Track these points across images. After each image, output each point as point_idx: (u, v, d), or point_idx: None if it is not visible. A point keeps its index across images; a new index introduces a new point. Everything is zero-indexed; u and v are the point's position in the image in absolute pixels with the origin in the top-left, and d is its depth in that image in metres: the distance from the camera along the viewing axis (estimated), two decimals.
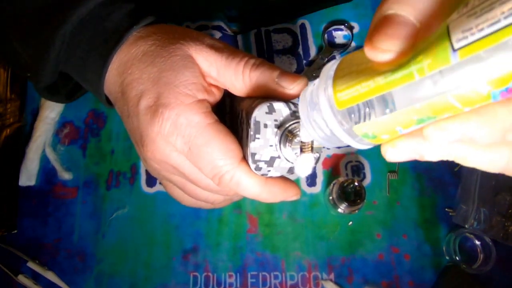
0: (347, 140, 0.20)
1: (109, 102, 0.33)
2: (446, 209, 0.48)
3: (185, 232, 0.47)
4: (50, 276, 0.44)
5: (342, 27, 0.55)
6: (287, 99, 0.27)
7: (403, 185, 0.49)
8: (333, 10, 0.56)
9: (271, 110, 0.25)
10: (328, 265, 0.46)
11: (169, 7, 0.56)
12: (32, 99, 0.52)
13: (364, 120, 0.18)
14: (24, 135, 0.50)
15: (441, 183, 0.49)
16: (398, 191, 0.49)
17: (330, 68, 0.20)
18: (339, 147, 0.50)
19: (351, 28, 0.55)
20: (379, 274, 0.46)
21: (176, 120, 0.26)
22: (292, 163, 0.27)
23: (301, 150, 0.24)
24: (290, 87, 0.27)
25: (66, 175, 0.48)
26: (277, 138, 0.26)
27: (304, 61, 0.54)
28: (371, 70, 0.17)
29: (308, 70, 0.53)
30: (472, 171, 0.49)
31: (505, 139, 0.15)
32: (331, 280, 0.45)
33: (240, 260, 0.46)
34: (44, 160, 0.49)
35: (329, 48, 0.53)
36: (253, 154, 0.26)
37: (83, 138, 0.50)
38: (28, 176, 0.48)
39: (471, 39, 0.13)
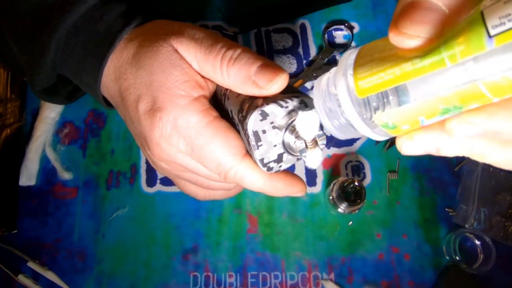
0: (364, 130, 0.19)
1: (107, 103, 0.34)
2: (446, 209, 0.48)
3: (185, 232, 0.47)
4: (50, 276, 0.44)
5: (342, 27, 0.55)
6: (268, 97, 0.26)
7: (403, 185, 0.49)
8: (333, 10, 0.56)
9: (264, 116, 0.24)
10: (328, 265, 0.46)
11: (169, 7, 0.56)
12: (32, 99, 0.52)
13: (386, 109, 0.18)
14: (24, 135, 0.50)
15: (441, 183, 0.49)
16: (398, 191, 0.49)
17: (349, 56, 0.19)
18: (339, 147, 0.50)
19: (351, 28, 0.55)
20: (379, 274, 0.46)
21: (175, 123, 0.26)
22: (300, 154, 0.26)
23: (306, 147, 0.23)
24: (267, 87, 0.25)
25: (66, 175, 0.48)
26: (280, 139, 0.25)
27: (304, 61, 0.54)
28: (396, 57, 0.17)
29: (308, 70, 0.53)
30: (472, 171, 0.49)
31: None
32: (331, 280, 0.45)
33: (240, 260, 0.46)
34: (44, 160, 0.49)
35: (329, 48, 0.53)
36: (261, 160, 0.26)
37: (83, 138, 0.50)
38: (28, 176, 0.48)
39: (508, 25, 0.13)
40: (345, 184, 0.44)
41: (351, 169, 0.50)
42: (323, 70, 0.52)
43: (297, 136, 0.24)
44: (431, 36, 0.16)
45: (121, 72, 0.29)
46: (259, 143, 0.25)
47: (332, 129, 0.21)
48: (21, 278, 0.44)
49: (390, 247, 0.47)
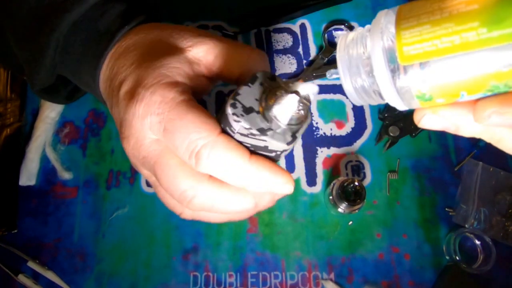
0: (391, 99, 0.18)
1: None
2: (446, 209, 0.48)
3: (185, 231, 0.47)
4: (50, 275, 0.44)
5: (342, 27, 0.55)
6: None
7: (403, 185, 0.49)
8: (333, 10, 0.56)
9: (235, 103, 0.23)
10: (328, 265, 0.46)
11: (169, 7, 0.56)
12: (32, 99, 0.52)
13: (428, 79, 0.16)
14: (24, 135, 0.50)
15: (441, 183, 0.49)
16: (398, 191, 0.49)
17: (386, 14, 0.18)
18: (339, 147, 0.50)
19: (351, 28, 0.55)
20: (379, 274, 0.46)
21: (151, 99, 0.25)
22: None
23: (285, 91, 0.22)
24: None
25: (66, 175, 0.48)
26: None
27: (304, 61, 0.54)
28: (454, 19, 0.15)
29: (308, 70, 0.53)
30: (472, 171, 0.49)
31: None
32: (331, 279, 0.45)
33: (240, 259, 0.46)
34: (44, 160, 0.49)
35: (329, 48, 0.53)
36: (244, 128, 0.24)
37: (83, 138, 0.50)
38: (28, 176, 0.48)
39: None
40: (345, 184, 0.44)
41: (351, 169, 0.50)
42: (323, 70, 0.52)
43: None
44: None
45: (115, 62, 0.29)
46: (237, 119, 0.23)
47: (351, 91, 0.20)
48: (21, 278, 0.44)
49: (390, 247, 0.47)
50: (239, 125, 0.23)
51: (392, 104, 0.18)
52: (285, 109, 0.22)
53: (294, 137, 0.24)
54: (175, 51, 0.28)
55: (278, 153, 0.25)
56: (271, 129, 0.23)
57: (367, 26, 0.19)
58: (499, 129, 0.16)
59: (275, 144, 0.24)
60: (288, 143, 0.24)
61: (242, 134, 0.24)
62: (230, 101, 0.23)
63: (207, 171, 0.24)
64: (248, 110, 0.23)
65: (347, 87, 0.20)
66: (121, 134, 0.27)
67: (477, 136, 0.17)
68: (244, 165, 0.24)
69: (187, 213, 0.29)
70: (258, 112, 0.24)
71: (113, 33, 0.30)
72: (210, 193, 0.25)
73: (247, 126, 0.23)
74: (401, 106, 0.19)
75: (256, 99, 0.24)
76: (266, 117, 0.23)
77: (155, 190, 0.30)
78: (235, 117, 0.23)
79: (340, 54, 0.20)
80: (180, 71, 0.27)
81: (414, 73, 0.16)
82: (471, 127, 0.17)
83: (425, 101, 0.17)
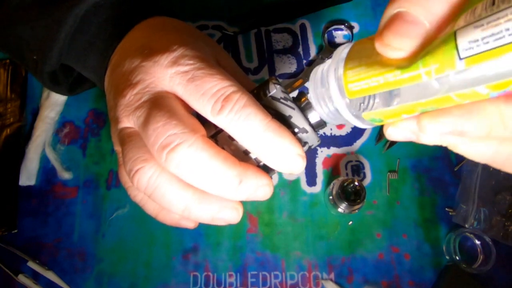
0: (353, 121, 0.22)
1: None
2: (446, 209, 0.48)
3: (185, 231, 0.47)
4: (50, 275, 0.44)
5: (342, 27, 0.55)
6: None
7: (403, 185, 0.49)
8: (333, 10, 0.56)
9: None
10: (328, 265, 0.46)
11: (169, 6, 0.56)
12: (32, 99, 0.52)
13: (372, 109, 0.20)
14: (24, 135, 0.50)
15: (441, 183, 0.49)
16: (398, 191, 0.49)
17: (341, 52, 0.21)
18: (339, 147, 0.50)
19: (351, 28, 0.55)
20: (379, 274, 0.46)
21: (182, 53, 0.25)
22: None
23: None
24: None
25: (66, 175, 0.48)
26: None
27: (304, 61, 0.54)
28: (381, 64, 0.18)
29: (308, 70, 0.53)
30: (472, 171, 0.49)
31: (491, 134, 0.16)
32: (331, 279, 0.45)
33: (240, 259, 0.46)
34: (44, 159, 0.49)
35: (329, 48, 0.53)
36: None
37: (83, 138, 0.50)
38: (28, 176, 0.48)
39: (476, 50, 0.14)
40: (345, 184, 0.44)
41: (351, 169, 0.50)
42: None
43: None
44: (413, 49, 0.17)
45: (123, 48, 0.30)
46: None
47: (324, 115, 0.24)
48: (21, 278, 0.44)
49: (390, 247, 0.47)
50: (277, 86, 0.25)
51: (355, 125, 0.22)
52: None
53: (312, 127, 0.25)
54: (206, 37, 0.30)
55: (296, 130, 0.25)
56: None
57: (330, 60, 0.23)
58: (450, 136, 0.18)
59: (299, 119, 0.25)
60: (309, 124, 0.25)
61: (273, 98, 0.25)
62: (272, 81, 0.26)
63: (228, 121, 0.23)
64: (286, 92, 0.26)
65: (320, 113, 0.24)
66: (126, 82, 0.26)
67: (436, 143, 0.19)
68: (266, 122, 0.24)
69: (137, 196, 0.28)
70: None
71: (132, 18, 0.31)
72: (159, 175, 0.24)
73: (284, 90, 0.25)
74: (362, 126, 0.22)
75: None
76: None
77: (120, 161, 0.29)
78: (275, 80, 0.25)
79: (311, 87, 0.24)
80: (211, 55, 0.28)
81: (362, 103, 0.21)
82: (427, 136, 0.19)
83: (378, 122, 0.21)
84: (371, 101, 0.20)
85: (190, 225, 0.27)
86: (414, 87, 0.17)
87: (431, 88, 0.16)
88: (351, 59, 0.20)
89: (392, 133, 0.20)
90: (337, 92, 0.21)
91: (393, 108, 0.19)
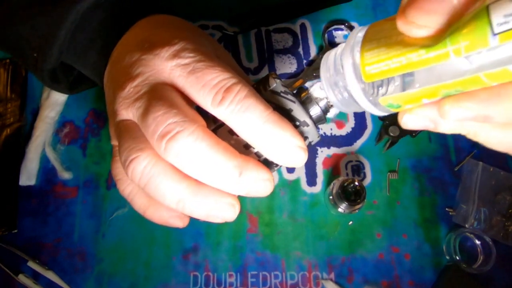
0: (368, 108, 0.21)
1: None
2: (446, 209, 0.48)
3: (185, 231, 0.47)
4: (50, 275, 0.44)
5: (342, 26, 0.55)
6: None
7: (403, 185, 0.49)
8: (333, 10, 0.56)
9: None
10: (328, 265, 0.46)
11: (169, 6, 0.56)
12: (32, 98, 0.52)
13: (391, 93, 0.18)
14: (24, 135, 0.50)
15: (441, 183, 0.49)
16: (398, 191, 0.49)
17: (356, 34, 0.20)
18: (339, 147, 0.50)
19: (351, 28, 0.55)
20: (379, 274, 0.46)
21: (183, 46, 0.25)
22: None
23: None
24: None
25: (66, 175, 0.48)
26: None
27: (305, 61, 0.54)
28: (403, 43, 0.17)
29: (308, 70, 0.53)
30: (472, 171, 0.49)
31: None
32: (331, 279, 0.45)
33: (240, 259, 0.46)
34: (44, 159, 0.49)
35: (330, 48, 0.53)
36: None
37: (83, 138, 0.50)
38: (28, 175, 0.48)
39: None
40: (345, 184, 0.44)
41: (351, 169, 0.50)
42: None
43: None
44: (439, 27, 0.15)
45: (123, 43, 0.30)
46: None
47: (336, 102, 0.23)
48: (21, 278, 0.44)
49: (390, 247, 0.47)
50: (277, 81, 0.25)
51: (370, 112, 0.21)
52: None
53: (313, 120, 0.25)
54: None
55: (297, 123, 0.25)
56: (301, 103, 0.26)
57: (343, 45, 0.21)
58: (472, 123, 0.17)
59: (300, 112, 0.25)
60: (310, 118, 0.25)
61: (274, 92, 0.25)
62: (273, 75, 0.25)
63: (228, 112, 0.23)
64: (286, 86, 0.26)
65: (333, 100, 0.23)
66: (126, 75, 0.26)
67: (455, 131, 0.18)
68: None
69: (126, 189, 0.27)
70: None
71: (133, 16, 0.31)
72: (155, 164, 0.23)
73: (284, 84, 0.25)
74: (378, 113, 0.21)
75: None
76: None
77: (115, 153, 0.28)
78: (274, 75, 0.25)
79: (322, 73, 0.23)
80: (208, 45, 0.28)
81: (380, 87, 0.19)
82: (446, 124, 0.18)
83: (395, 109, 0.19)
84: (390, 85, 0.18)
85: (179, 223, 0.26)
86: (438, 68, 0.16)
87: (458, 68, 0.15)
88: (369, 41, 0.19)
89: (408, 121, 0.19)
90: (353, 76, 0.20)
91: (414, 92, 0.17)
